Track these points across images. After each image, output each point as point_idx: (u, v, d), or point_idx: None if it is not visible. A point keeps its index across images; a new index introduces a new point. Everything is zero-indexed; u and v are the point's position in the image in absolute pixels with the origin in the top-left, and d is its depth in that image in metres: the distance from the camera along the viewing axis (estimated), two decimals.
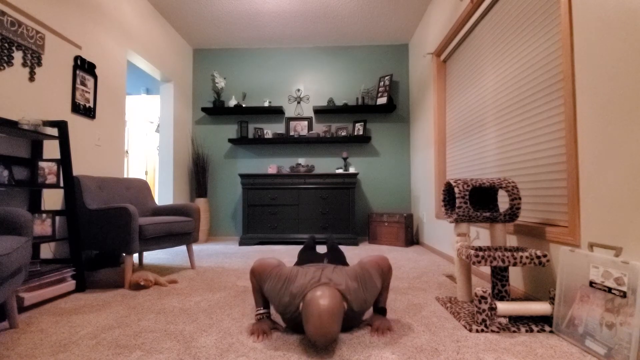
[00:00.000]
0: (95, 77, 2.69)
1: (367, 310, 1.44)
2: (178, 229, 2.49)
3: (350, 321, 1.43)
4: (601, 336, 1.21)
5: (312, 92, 4.53)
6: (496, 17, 2.31)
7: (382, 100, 4.24)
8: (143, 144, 4.99)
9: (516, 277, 1.97)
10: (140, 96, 5.09)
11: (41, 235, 2.02)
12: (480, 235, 2.38)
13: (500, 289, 1.67)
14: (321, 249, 3.59)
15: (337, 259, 1.88)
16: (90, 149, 2.65)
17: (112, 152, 2.91)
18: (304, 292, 1.31)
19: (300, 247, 3.80)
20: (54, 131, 2.27)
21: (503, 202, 2.23)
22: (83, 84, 2.57)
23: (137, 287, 2.13)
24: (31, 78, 2.13)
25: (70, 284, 2.00)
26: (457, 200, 1.79)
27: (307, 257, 1.96)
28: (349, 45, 4.52)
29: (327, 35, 4.26)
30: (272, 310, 1.70)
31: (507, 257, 1.51)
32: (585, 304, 1.29)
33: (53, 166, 2.08)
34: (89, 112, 2.62)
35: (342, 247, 3.75)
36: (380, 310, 1.51)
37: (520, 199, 1.74)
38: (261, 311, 1.49)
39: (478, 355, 1.23)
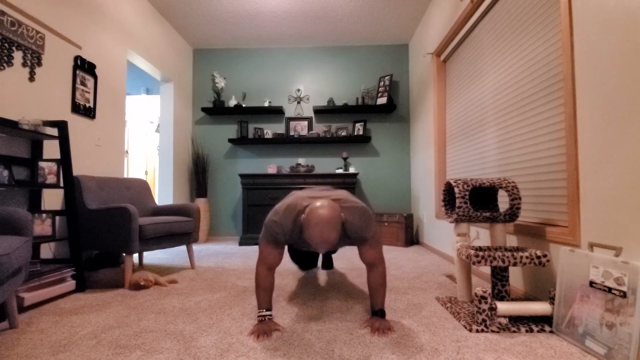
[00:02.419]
0: (95, 77, 2.69)
1: (358, 237, 1.50)
2: (178, 229, 2.49)
3: (343, 241, 1.54)
4: (601, 336, 1.21)
5: (312, 92, 4.53)
6: (496, 17, 2.31)
7: (382, 100, 4.24)
8: (143, 144, 4.99)
9: (516, 277, 1.97)
10: (140, 96, 5.09)
11: (41, 235, 2.02)
12: (480, 235, 2.38)
13: (500, 289, 1.67)
14: None
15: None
16: (90, 149, 2.65)
17: (112, 152, 2.91)
18: (304, 206, 1.44)
19: None
20: (54, 131, 2.27)
21: (503, 202, 2.23)
22: (83, 84, 2.57)
23: (137, 287, 2.13)
24: (31, 78, 2.13)
25: (70, 284, 2.00)
26: (457, 200, 1.78)
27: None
28: (349, 45, 4.52)
29: (327, 35, 4.26)
30: (274, 312, 1.70)
31: (507, 257, 1.51)
32: (585, 304, 1.29)
33: (53, 166, 2.08)
34: (89, 112, 2.62)
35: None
36: (379, 312, 1.50)
37: (520, 199, 1.74)
38: (263, 313, 1.48)
39: (478, 355, 1.23)
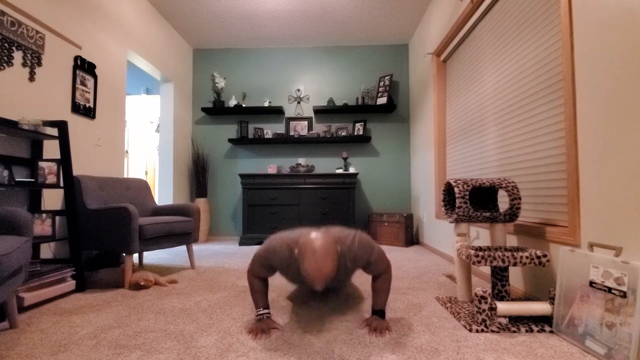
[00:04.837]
0: (95, 77, 2.69)
1: (355, 268, 1.50)
2: (178, 229, 2.49)
3: (341, 275, 1.49)
4: (601, 336, 1.21)
5: (312, 92, 4.53)
6: (496, 17, 2.31)
7: (382, 100, 4.24)
8: (143, 144, 4.99)
9: (516, 277, 1.97)
10: (140, 96, 5.09)
11: (41, 235, 2.01)
12: (480, 235, 2.38)
13: (500, 289, 1.67)
14: None
15: None
16: (90, 149, 2.65)
17: (112, 152, 2.91)
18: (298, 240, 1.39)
19: None
20: (54, 131, 2.27)
21: (503, 202, 2.23)
22: (83, 84, 2.57)
23: (137, 287, 2.13)
24: (31, 78, 2.13)
25: (70, 284, 2.00)
26: (457, 200, 1.78)
27: None
28: (349, 45, 4.52)
29: (327, 35, 4.26)
30: (274, 312, 1.70)
31: (507, 257, 1.51)
32: (585, 304, 1.29)
33: (53, 166, 2.08)
34: (89, 112, 2.62)
35: None
36: (379, 312, 1.50)
37: (520, 199, 1.74)
38: (262, 312, 1.49)
39: (478, 355, 1.23)
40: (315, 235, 1.28)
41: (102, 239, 2.19)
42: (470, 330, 1.44)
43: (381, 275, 1.51)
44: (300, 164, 4.14)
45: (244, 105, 4.33)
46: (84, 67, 2.56)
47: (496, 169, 2.31)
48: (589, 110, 1.44)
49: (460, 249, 1.72)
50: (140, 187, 2.87)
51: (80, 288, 2.06)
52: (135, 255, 3.22)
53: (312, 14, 3.75)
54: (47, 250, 2.24)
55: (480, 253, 1.54)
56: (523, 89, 2.00)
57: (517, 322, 1.50)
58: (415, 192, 4.21)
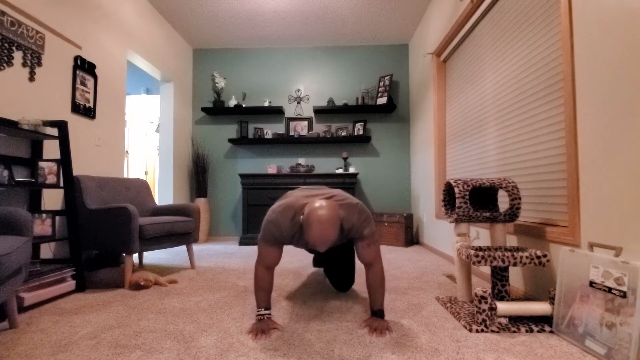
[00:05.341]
0: (95, 77, 2.69)
1: (350, 237, 1.53)
2: (178, 229, 2.49)
3: (341, 239, 1.55)
4: (601, 336, 1.21)
5: (312, 92, 4.53)
6: (496, 17, 2.31)
7: (382, 100, 4.24)
8: (143, 144, 4.99)
9: (516, 277, 1.97)
10: (140, 96, 5.09)
11: (41, 235, 2.01)
12: (480, 235, 2.38)
13: (500, 289, 1.67)
14: None
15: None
16: (90, 149, 2.65)
17: (112, 152, 2.91)
18: (302, 206, 1.45)
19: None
20: (54, 131, 2.27)
21: (503, 202, 2.23)
22: (83, 84, 2.57)
23: (137, 287, 2.13)
24: (31, 78, 2.13)
25: (70, 284, 2.00)
26: (457, 200, 1.78)
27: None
28: (349, 45, 4.52)
29: (327, 35, 4.26)
30: (274, 312, 1.70)
31: (507, 257, 1.51)
32: (585, 304, 1.29)
33: (53, 166, 2.08)
34: (89, 112, 2.62)
35: None
36: (378, 312, 1.50)
37: (520, 199, 1.74)
38: (262, 312, 1.49)
39: (478, 355, 1.23)
40: (320, 204, 1.34)
41: (102, 239, 2.19)
42: (470, 330, 1.44)
43: (373, 265, 1.51)
44: (300, 164, 4.14)
45: (244, 105, 4.33)
46: (84, 67, 2.56)
47: (496, 169, 2.31)
48: (589, 110, 1.44)
49: (460, 249, 1.72)
50: (140, 187, 2.87)
51: (80, 288, 2.06)
52: (135, 255, 3.22)
53: (312, 14, 3.75)
54: (47, 250, 2.24)
55: (480, 253, 1.54)
56: (523, 89, 2.00)
57: (517, 322, 1.50)
58: (415, 192, 4.21)
